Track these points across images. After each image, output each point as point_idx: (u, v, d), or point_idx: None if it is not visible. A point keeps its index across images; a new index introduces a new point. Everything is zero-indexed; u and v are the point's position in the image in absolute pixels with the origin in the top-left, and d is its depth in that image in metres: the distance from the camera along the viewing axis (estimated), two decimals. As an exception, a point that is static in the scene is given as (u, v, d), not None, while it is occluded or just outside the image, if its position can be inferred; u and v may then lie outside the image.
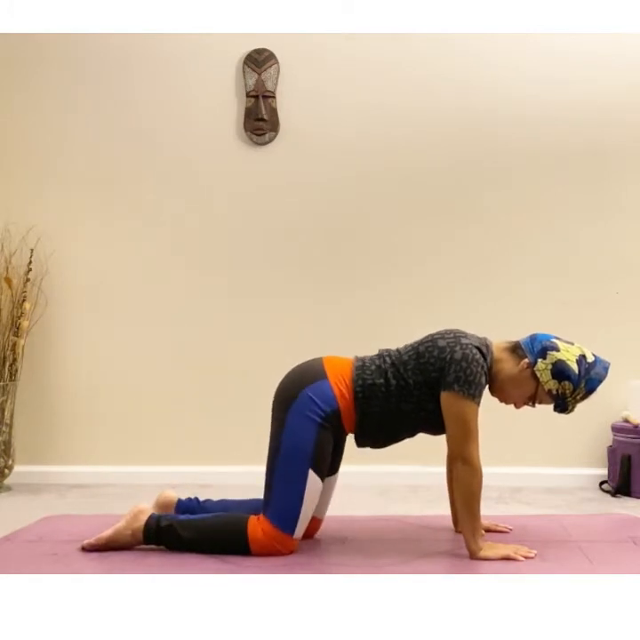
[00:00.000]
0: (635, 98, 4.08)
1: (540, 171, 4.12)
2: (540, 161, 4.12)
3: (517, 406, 2.51)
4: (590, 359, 2.41)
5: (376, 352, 2.54)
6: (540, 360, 2.40)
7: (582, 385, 2.39)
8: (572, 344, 2.45)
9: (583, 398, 2.42)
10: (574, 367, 2.38)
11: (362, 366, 2.45)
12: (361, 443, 2.50)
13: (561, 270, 4.10)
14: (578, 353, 2.41)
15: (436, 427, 2.45)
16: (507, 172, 4.14)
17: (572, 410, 2.44)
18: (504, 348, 2.48)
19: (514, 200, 4.13)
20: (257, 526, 2.38)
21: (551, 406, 2.48)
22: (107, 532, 2.45)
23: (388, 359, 2.46)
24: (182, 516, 2.47)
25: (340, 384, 2.41)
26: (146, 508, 2.47)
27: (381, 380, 2.40)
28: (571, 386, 2.38)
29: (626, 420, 3.91)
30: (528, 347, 2.45)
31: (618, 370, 3.98)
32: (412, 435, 2.51)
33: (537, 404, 2.49)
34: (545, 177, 4.12)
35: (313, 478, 2.37)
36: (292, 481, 2.37)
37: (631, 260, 4.09)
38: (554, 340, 2.44)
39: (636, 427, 3.85)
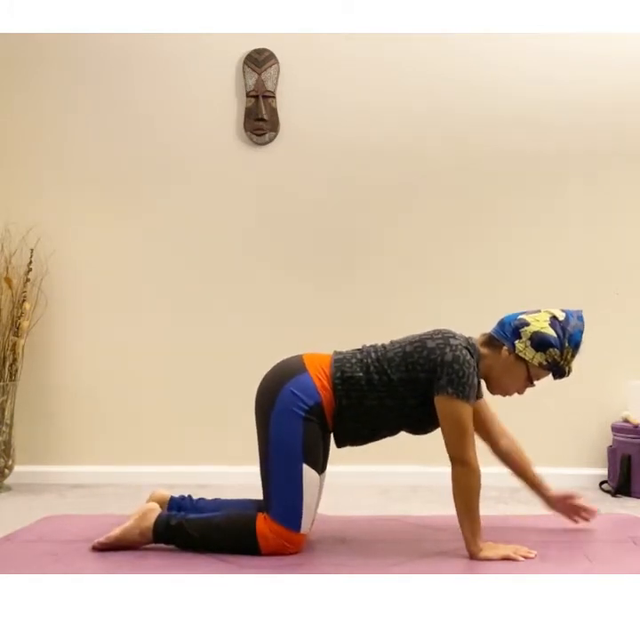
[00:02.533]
0: (635, 98, 4.08)
1: (539, 170, 4.12)
2: (539, 161, 4.12)
3: (520, 392, 2.51)
4: (562, 317, 2.42)
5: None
6: (517, 341, 2.41)
7: (566, 344, 2.39)
8: (539, 311, 2.46)
9: (574, 355, 2.42)
10: (551, 331, 2.38)
11: (341, 359, 2.46)
12: (340, 440, 2.49)
13: (561, 270, 4.10)
14: (548, 317, 2.42)
15: (417, 425, 2.46)
16: (507, 172, 4.14)
17: (570, 371, 2.44)
18: (481, 344, 2.49)
19: (514, 199, 4.13)
20: (265, 526, 2.38)
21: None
22: (115, 532, 2.45)
23: (372, 354, 2.46)
24: (192, 515, 2.47)
25: (320, 376, 2.42)
26: (154, 506, 2.47)
27: (361, 374, 2.41)
28: (556, 351, 2.39)
29: (626, 420, 3.91)
30: (500, 334, 2.46)
31: (618, 370, 4.03)
32: (392, 433, 2.51)
33: (536, 382, 2.48)
34: (545, 176, 4.12)
35: (308, 472, 2.37)
36: (288, 479, 2.37)
37: (631, 260, 4.09)
38: (521, 317, 2.45)
39: (636, 427, 3.85)
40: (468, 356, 2.37)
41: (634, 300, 4.07)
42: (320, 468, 2.43)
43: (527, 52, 4.11)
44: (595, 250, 4.10)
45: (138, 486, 3.88)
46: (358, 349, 2.51)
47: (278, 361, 2.55)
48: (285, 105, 4.19)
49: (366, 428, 2.46)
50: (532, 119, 4.11)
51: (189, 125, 4.21)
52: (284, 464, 2.37)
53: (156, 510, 2.46)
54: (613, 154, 4.10)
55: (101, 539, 2.45)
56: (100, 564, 2.32)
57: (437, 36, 4.07)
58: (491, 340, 2.48)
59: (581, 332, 2.41)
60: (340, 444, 2.52)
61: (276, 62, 4.17)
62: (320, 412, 2.40)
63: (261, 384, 2.50)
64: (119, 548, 2.43)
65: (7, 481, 4.03)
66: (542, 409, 3.84)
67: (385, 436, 2.51)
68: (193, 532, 2.41)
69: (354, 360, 2.44)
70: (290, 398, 2.39)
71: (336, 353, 2.50)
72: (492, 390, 2.52)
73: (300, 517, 2.37)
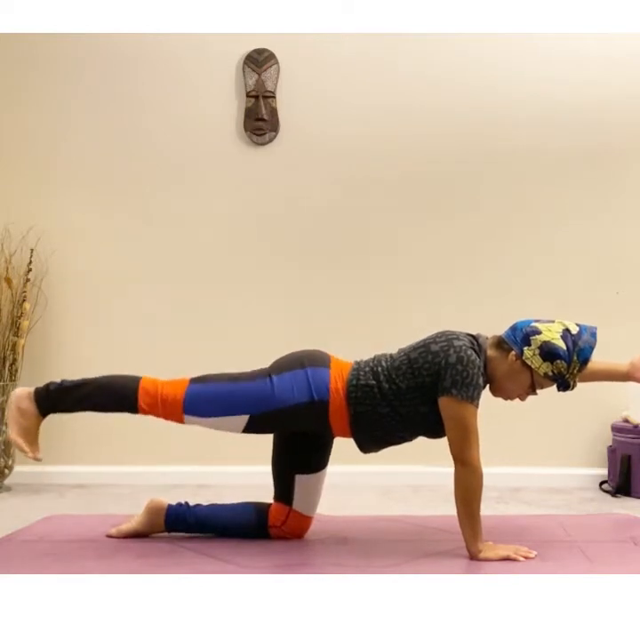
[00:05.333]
0: (636, 98, 4.08)
1: (540, 171, 4.12)
2: (541, 161, 4.12)
3: (522, 399, 2.50)
4: (575, 330, 2.39)
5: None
6: (525, 348, 2.39)
7: (575, 358, 2.37)
8: (553, 322, 2.43)
9: (581, 370, 2.39)
10: (561, 344, 2.36)
11: (357, 368, 2.47)
12: (362, 446, 2.50)
13: (561, 270, 4.10)
14: (561, 328, 2.39)
15: (431, 430, 2.45)
16: (508, 173, 4.14)
17: (574, 385, 2.42)
18: (491, 345, 2.47)
19: (515, 200, 4.13)
20: (154, 384, 2.42)
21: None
22: (14, 439, 2.43)
23: (383, 363, 2.47)
24: (68, 380, 2.48)
25: (338, 379, 2.43)
26: (25, 389, 2.46)
27: (373, 382, 2.41)
28: (564, 363, 2.36)
29: (626, 420, 3.91)
30: (511, 338, 2.44)
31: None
32: (410, 438, 2.52)
33: (539, 390, 2.47)
34: (546, 177, 4.12)
35: (240, 419, 2.40)
36: (230, 406, 2.41)
37: (631, 260, 4.09)
38: (534, 324, 2.42)
39: (635, 427, 3.85)
40: (473, 356, 2.36)
41: (634, 299, 4.07)
42: (248, 432, 2.43)
43: (527, 52, 4.11)
44: (595, 249, 4.10)
45: (138, 486, 3.88)
46: (372, 358, 2.52)
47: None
48: (285, 105, 4.19)
49: (383, 434, 2.46)
50: (533, 119, 4.11)
51: (189, 125, 4.21)
52: (243, 401, 2.41)
53: (28, 391, 2.45)
54: (615, 153, 4.10)
55: (21, 444, 2.43)
56: (99, 565, 2.32)
57: (437, 36, 4.07)
58: (500, 343, 2.46)
59: (592, 348, 2.38)
60: (362, 450, 2.52)
61: (276, 62, 4.17)
62: (320, 410, 2.40)
63: (289, 354, 2.53)
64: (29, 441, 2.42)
65: (7, 481, 4.02)
66: (542, 409, 3.84)
67: (404, 441, 2.52)
68: (68, 384, 2.43)
69: (367, 368, 2.45)
70: (302, 380, 2.40)
71: (355, 362, 2.52)
72: (494, 392, 2.51)
73: (194, 418, 2.41)
